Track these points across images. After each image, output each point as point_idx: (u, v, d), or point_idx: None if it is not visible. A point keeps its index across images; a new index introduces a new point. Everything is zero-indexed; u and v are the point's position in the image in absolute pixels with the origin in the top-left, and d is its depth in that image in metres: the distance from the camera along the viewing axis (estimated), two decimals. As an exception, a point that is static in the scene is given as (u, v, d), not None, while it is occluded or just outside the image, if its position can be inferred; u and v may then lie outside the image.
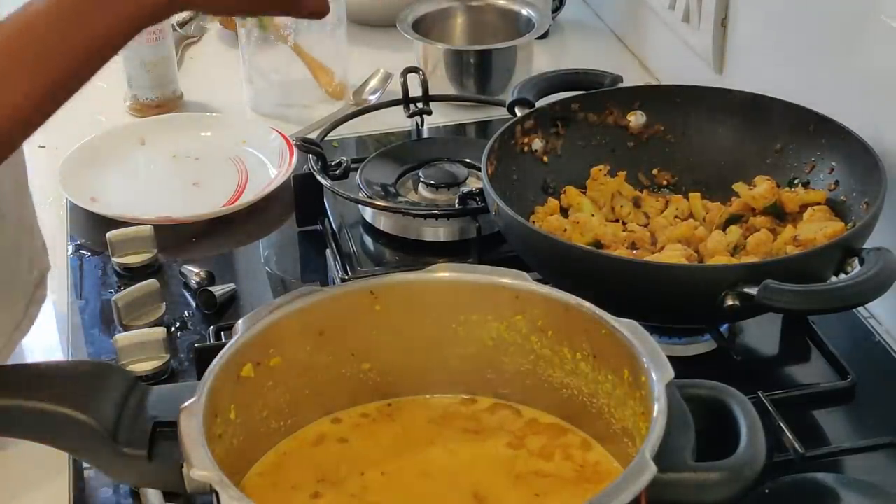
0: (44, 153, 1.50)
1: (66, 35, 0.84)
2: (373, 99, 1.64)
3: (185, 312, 1.23)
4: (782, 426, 1.00)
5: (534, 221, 1.18)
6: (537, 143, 1.25)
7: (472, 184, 1.32)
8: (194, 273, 1.27)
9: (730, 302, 0.98)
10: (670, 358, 0.82)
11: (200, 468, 0.74)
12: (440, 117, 1.57)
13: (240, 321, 0.87)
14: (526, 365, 0.92)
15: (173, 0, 0.89)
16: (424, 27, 1.67)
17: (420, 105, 1.46)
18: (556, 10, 1.84)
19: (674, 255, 1.10)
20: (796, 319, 1.15)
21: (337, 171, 1.34)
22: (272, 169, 1.48)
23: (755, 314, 1.07)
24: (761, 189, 1.18)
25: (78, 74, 0.86)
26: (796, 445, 0.98)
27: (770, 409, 1.02)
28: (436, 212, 1.29)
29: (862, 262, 1.00)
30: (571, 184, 1.24)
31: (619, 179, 1.25)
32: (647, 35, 1.73)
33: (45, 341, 1.22)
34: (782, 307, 0.97)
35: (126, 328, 1.18)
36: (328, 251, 1.31)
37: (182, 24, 1.86)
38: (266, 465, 0.89)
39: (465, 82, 1.62)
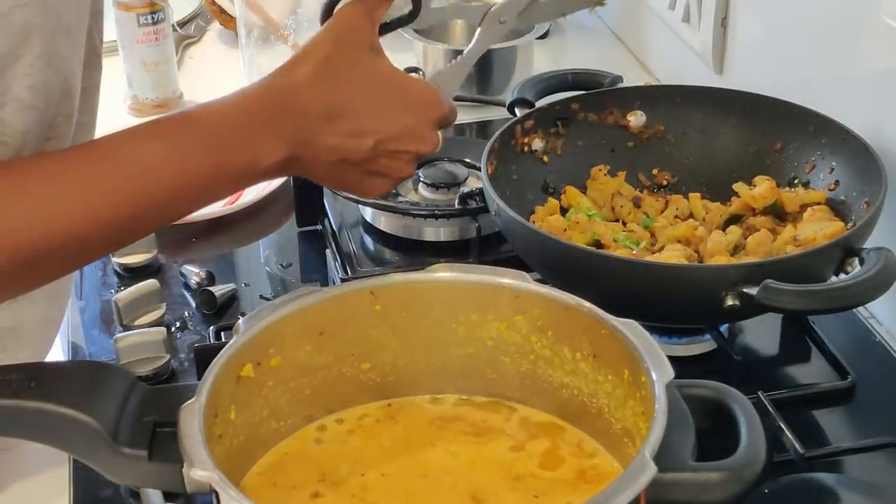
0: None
1: (177, 167, 0.86)
2: (373, 99, 1.64)
3: (185, 312, 1.23)
4: (782, 426, 1.00)
5: (534, 221, 1.18)
6: (537, 143, 1.25)
7: (472, 184, 1.32)
8: (194, 273, 1.27)
9: (730, 302, 0.98)
10: (670, 358, 0.82)
11: (200, 468, 0.74)
12: (440, 117, 1.57)
13: (240, 321, 0.87)
14: (526, 365, 0.92)
15: (288, 163, 0.90)
16: (424, 27, 1.67)
17: (420, 105, 1.45)
18: (556, 10, 1.84)
19: (674, 255, 1.10)
20: (796, 319, 1.15)
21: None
22: (272, 169, 1.48)
23: (755, 314, 1.07)
24: (761, 189, 1.18)
25: (169, 210, 0.88)
26: (796, 445, 0.98)
27: (770, 409, 1.02)
28: (436, 212, 1.29)
29: (862, 262, 1.00)
30: (571, 184, 1.24)
31: (619, 179, 1.25)
32: (647, 35, 1.73)
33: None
34: (782, 307, 0.97)
35: (126, 328, 1.18)
36: (328, 251, 1.31)
37: (182, 24, 1.86)
38: (266, 465, 0.88)
39: (465, 82, 1.61)
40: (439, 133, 0.97)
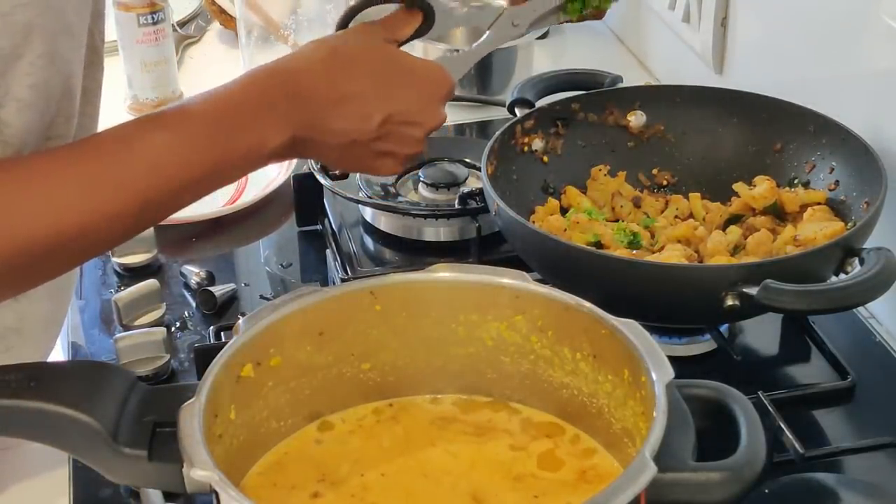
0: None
1: (183, 156, 0.86)
2: (373, 99, 1.64)
3: (185, 312, 1.23)
4: (782, 426, 1.00)
5: (534, 221, 1.18)
6: (537, 143, 1.25)
7: (472, 184, 1.32)
8: (194, 273, 1.27)
9: (730, 302, 0.98)
10: (670, 358, 0.82)
11: (200, 468, 0.74)
12: (440, 117, 1.56)
13: (240, 321, 0.87)
14: (526, 365, 0.92)
15: (294, 145, 0.90)
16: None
17: (420, 105, 1.45)
18: (556, 10, 1.84)
19: (674, 255, 1.10)
20: (796, 319, 1.15)
21: (337, 171, 1.34)
22: (272, 169, 1.47)
23: (755, 314, 1.07)
24: (761, 189, 1.18)
25: (177, 199, 0.88)
26: (796, 445, 0.98)
27: (770, 409, 1.02)
28: (436, 212, 1.29)
29: (862, 262, 1.00)
30: (571, 184, 1.24)
31: (619, 179, 1.25)
32: (647, 35, 1.73)
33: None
34: (782, 307, 0.97)
35: (126, 328, 1.18)
36: (328, 251, 1.31)
37: (182, 24, 1.86)
38: (266, 465, 0.89)
39: (465, 82, 1.61)
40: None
